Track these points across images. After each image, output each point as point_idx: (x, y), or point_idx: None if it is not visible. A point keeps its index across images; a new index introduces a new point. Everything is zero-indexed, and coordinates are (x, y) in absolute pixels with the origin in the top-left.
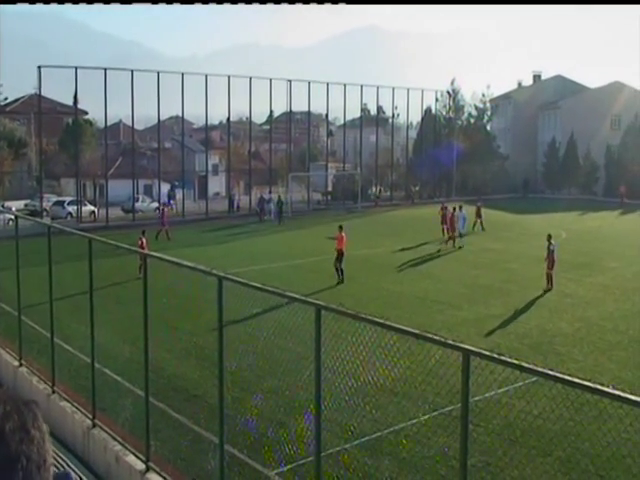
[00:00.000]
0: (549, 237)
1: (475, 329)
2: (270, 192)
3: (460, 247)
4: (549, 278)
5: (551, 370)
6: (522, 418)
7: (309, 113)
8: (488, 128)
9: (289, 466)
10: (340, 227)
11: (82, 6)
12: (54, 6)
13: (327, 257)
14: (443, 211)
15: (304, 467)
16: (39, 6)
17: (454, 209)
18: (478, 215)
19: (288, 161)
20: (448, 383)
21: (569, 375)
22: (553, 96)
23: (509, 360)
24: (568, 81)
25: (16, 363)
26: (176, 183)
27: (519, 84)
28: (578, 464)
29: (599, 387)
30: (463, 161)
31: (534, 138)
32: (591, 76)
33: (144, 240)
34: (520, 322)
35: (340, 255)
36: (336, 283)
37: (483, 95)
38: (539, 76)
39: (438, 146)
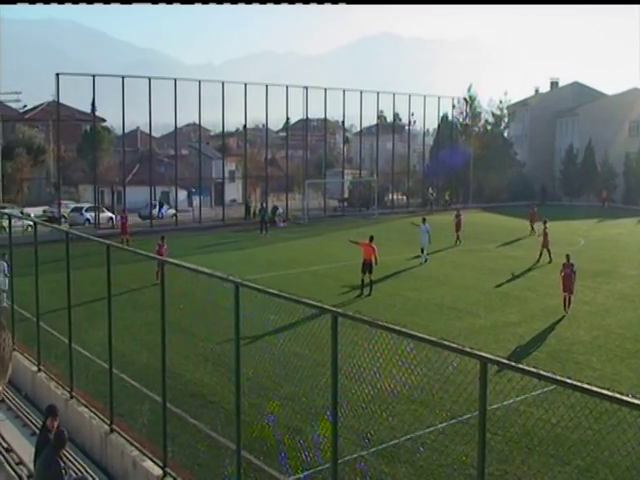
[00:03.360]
0: (567, 257)
1: (492, 336)
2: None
3: (421, 264)
4: (568, 302)
5: (569, 378)
6: (540, 426)
7: (325, 120)
8: (505, 135)
9: (305, 473)
10: (371, 237)
11: (100, 14)
12: (72, 14)
13: (344, 264)
14: (457, 218)
15: (321, 474)
16: (57, 14)
17: (545, 222)
18: (532, 221)
19: (304, 168)
20: (465, 391)
21: (587, 383)
22: (571, 103)
23: (527, 368)
24: (586, 88)
25: (35, 368)
26: (193, 190)
27: (536, 91)
28: (597, 473)
29: (618, 395)
30: (480, 168)
31: (551, 145)
32: (609, 83)
33: (164, 246)
34: (538, 330)
35: (367, 266)
36: (359, 295)
37: (500, 102)
38: (556, 83)
39: (454, 153)
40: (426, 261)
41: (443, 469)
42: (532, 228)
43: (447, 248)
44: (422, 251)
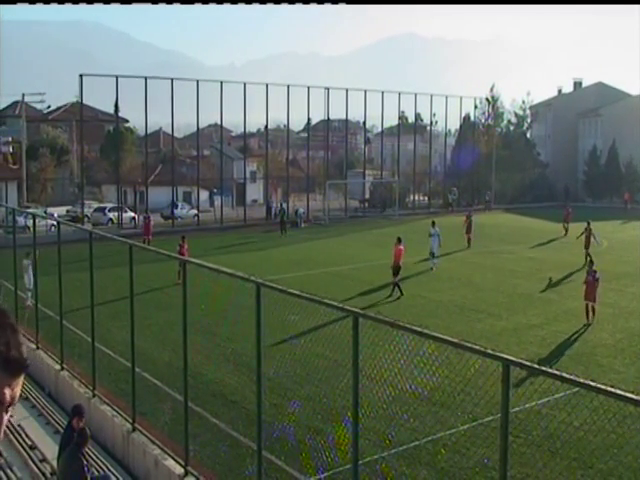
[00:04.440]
0: (591, 263)
1: (514, 339)
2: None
3: (431, 268)
4: (591, 311)
5: (592, 381)
6: (563, 429)
7: (347, 121)
8: (528, 135)
9: (326, 474)
10: (399, 239)
11: (123, 15)
12: (96, 15)
13: (365, 265)
14: (468, 219)
15: (341, 475)
16: (81, 15)
17: (588, 224)
18: (566, 222)
19: (326, 169)
20: (487, 393)
21: (611, 386)
22: (594, 103)
23: (549, 370)
24: (609, 88)
25: (58, 367)
26: (215, 190)
27: (559, 91)
28: (620, 478)
29: None
30: (502, 169)
31: (574, 146)
32: (633, 83)
33: (185, 246)
34: (560, 332)
35: (397, 268)
36: (397, 297)
37: (523, 102)
38: (580, 83)
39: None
40: (434, 266)
41: (464, 471)
42: (566, 229)
43: (467, 249)
44: (432, 255)
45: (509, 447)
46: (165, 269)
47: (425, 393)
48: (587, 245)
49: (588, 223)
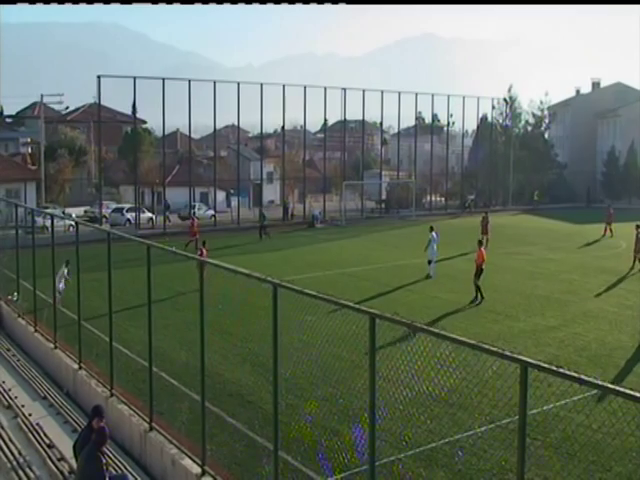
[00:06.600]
0: None
1: (532, 340)
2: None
3: (428, 277)
4: None
5: (611, 383)
6: (581, 432)
7: (363, 121)
8: (546, 136)
9: (343, 474)
10: (479, 242)
11: (141, 17)
12: (115, 16)
13: (381, 265)
14: (485, 220)
15: (358, 476)
16: (100, 16)
17: (637, 227)
18: (609, 222)
19: (342, 169)
20: (505, 395)
21: (630, 389)
22: (613, 104)
23: (568, 373)
24: (628, 88)
25: (76, 366)
26: (231, 191)
27: (577, 91)
28: None
29: None
30: (520, 169)
31: (593, 146)
32: None
33: (204, 251)
34: (579, 334)
35: (479, 271)
36: (470, 302)
37: (541, 102)
38: (598, 83)
39: (494, 154)
40: (431, 276)
41: (482, 474)
42: (609, 230)
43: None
44: (429, 262)
45: (526, 449)
46: (183, 270)
47: (442, 395)
48: (637, 249)
49: (637, 226)
